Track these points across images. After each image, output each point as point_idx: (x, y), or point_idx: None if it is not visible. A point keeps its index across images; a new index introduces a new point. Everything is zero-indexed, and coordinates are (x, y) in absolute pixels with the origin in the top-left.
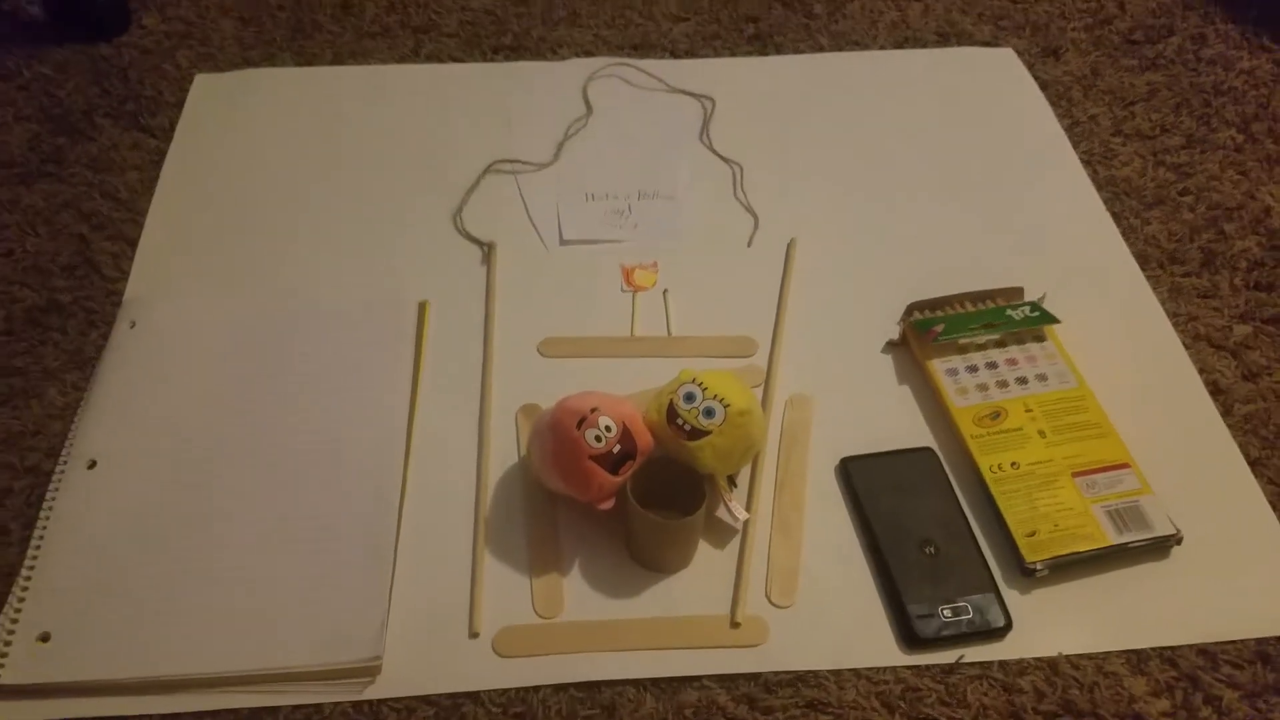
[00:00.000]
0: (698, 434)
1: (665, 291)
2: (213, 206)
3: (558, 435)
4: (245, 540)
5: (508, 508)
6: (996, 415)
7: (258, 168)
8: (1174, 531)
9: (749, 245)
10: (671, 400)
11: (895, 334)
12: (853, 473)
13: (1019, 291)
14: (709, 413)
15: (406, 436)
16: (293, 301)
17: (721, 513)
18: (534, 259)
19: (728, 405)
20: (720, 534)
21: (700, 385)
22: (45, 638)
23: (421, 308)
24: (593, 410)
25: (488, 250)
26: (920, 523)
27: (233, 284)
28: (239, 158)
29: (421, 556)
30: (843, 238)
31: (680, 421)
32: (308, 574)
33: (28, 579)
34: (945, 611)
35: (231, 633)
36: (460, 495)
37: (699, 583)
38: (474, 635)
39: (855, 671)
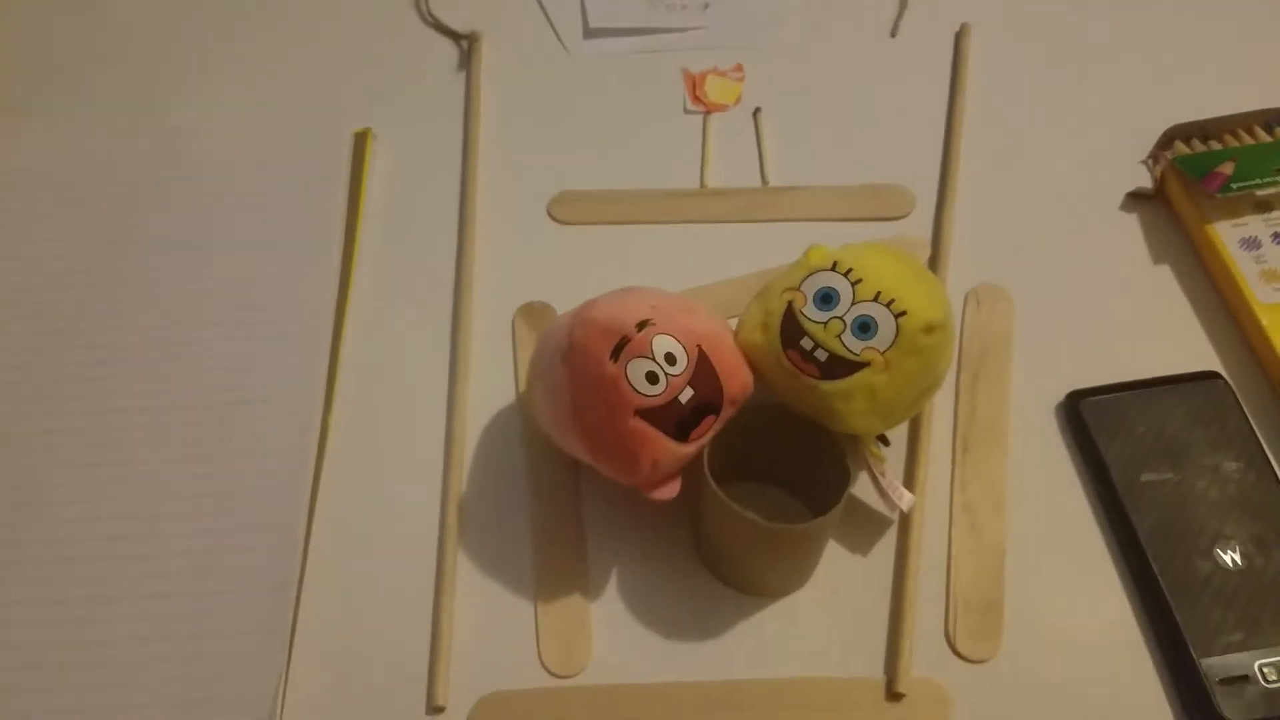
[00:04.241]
0: (842, 367)
1: (757, 112)
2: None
3: (580, 372)
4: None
5: (496, 484)
6: None
7: None
8: None
9: (892, 34)
10: (792, 303)
11: (1145, 179)
12: (1088, 419)
13: None
14: (864, 327)
15: (329, 366)
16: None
17: (867, 492)
18: (542, 63)
19: (902, 314)
20: (861, 527)
21: (848, 274)
22: None
23: (360, 140)
24: (643, 325)
25: (467, 47)
26: (1210, 509)
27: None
28: None
29: (348, 571)
30: (1046, 19)
31: (809, 345)
32: (153, 599)
33: None
34: (1264, 670)
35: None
36: (418, 464)
37: (823, 616)
38: (436, 710)
39: None
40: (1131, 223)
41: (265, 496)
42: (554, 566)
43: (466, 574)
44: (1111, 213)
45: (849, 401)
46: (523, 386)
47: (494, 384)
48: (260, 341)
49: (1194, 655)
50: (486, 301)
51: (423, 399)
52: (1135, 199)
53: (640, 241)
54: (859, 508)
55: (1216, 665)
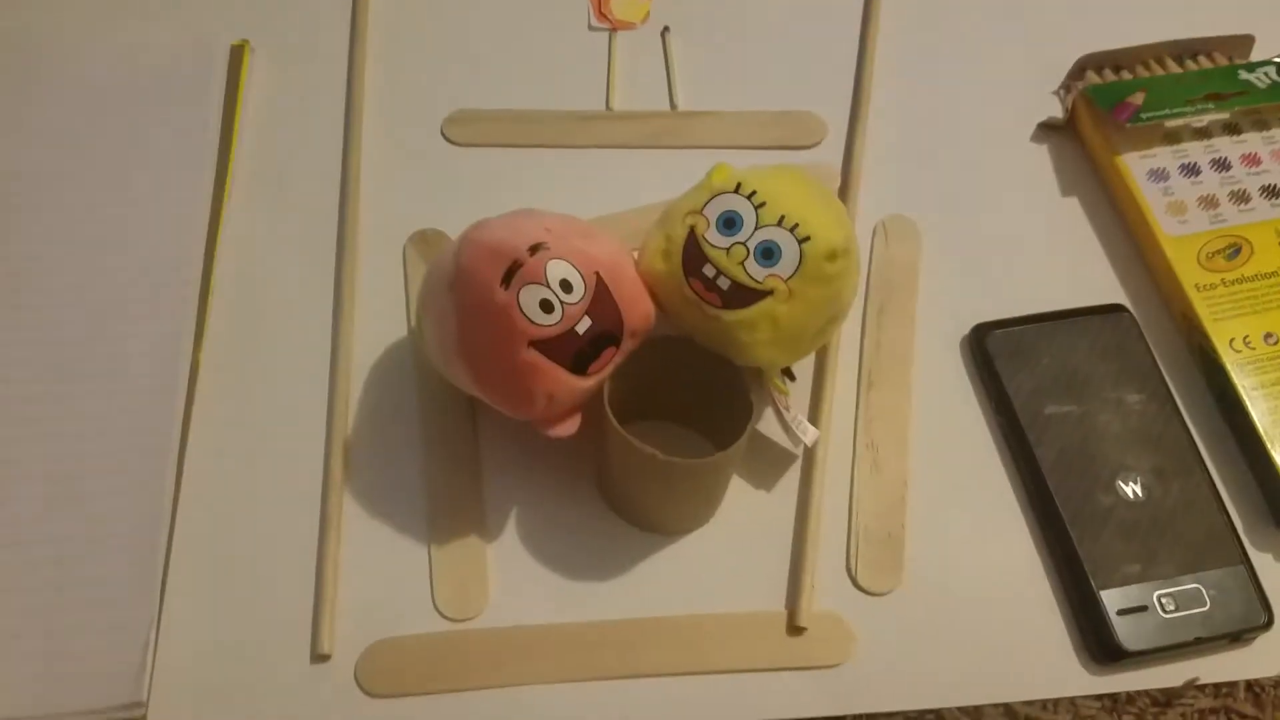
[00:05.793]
0: (745, 296)
1: (665, 31)
2: None
3: (468, 300)
4: None
5: (386, 422)
6: (1236, 251)
7: None
8: None
9: None
10: (694, 228)
11: (1057, 109)
12: (993, 352)
13: (1249, 42)
14: (767, 253)
15: (199, 299)
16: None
17: (771, 429)
18: None
19: (806, 239)
20: (765, 464)
21: (751, 196)
22: None
23: (236, 54)
24: (536, 249)
25: None
26: (1113, 442)
27: None
28: None
29: (223, 521)
30: None
31: (711, 273)
32: (6, 557)
33: None
34: (1162, 601)
35: None
36: (300, 402)
37: (727, 552)
38: (321, 658)
39: (1007, 710)
40: (1042, 154)
41: (128, 440)
42: (449, 507)
43: (355, 517)
44: (1023, 143)
45: (752, 332)
46: (414, 320)
47: (384, 317)
48: (123, 272)
49: (1094, 586)
50: (375, 229)
51: (305, 333)
52: (1046, 129)
53: (542, 166)
54: (764, 444)
55: (1116, 596)
